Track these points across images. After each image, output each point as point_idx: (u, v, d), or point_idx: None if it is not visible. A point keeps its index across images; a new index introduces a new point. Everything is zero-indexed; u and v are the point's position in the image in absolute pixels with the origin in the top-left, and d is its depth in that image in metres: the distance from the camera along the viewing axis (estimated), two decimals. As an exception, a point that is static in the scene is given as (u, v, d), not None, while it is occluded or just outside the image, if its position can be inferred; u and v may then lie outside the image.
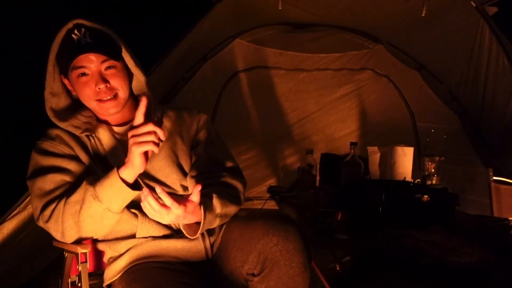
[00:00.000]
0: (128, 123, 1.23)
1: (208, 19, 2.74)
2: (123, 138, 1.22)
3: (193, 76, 3.44)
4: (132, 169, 1.03)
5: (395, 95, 3.80)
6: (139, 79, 1.25)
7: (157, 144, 1.02)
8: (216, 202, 1.10)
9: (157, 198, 0.96)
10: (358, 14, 3.17)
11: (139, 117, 1.03)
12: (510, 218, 1.38)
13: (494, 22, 2.64)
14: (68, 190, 1.09)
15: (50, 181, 1.10)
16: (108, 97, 1.14)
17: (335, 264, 1.11)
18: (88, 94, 1.13)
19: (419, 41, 3.35)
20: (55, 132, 1.18)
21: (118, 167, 1.03)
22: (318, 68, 3.73)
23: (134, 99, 1.27)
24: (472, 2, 2.60)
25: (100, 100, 1.14)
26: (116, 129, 1.23)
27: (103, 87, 1.12)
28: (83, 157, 1.17)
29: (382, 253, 1.10)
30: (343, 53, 3.69)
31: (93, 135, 1.19)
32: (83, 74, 1.12)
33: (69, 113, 1.19)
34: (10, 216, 1.98)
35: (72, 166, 1.13)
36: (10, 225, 1.99)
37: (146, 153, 1.03)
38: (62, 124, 1.16)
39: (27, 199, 1.95)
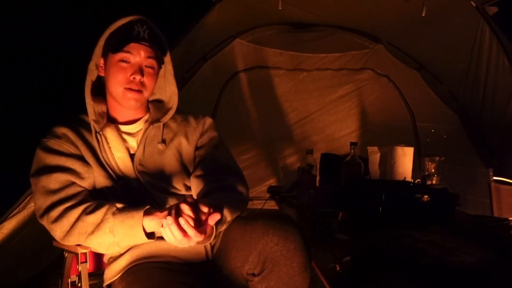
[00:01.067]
0: (136, 122, 1.27)
1: (208, 19, 2.74)
2: (129, 136, 1.25)
3: (193, 76, 3.43)
4: (156, 227, 1.03)
5: (395, 95, 3.79)
6: (171, 89, 1.31)
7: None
8: (226, 211, 1.11)
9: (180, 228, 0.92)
10: (358, 14, 3.16)
11: (204, 212, 0.97)
12: (510, 218, 1.38)
13: (494, 22, 2.64)
14: (80, 195, 1.10)
15: (55, 181, 1.10)
16: (136, 89, 1.18)
17: (335, 264, 1.11)
18: (120, 80, 1.18)
19: (419, 41, 3.35)
20: (61, 130, 1.19)
21: (146, 212, 1.04)
22: (318, 68, 3.73)
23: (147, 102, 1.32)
24: (472, 2, 2.60)
25: (127, 88, 1.18)
26: (123, 127, 1.26)
27: (138, 78, 1.18)
28: (89, 157, 1.17)
29: (382, 253, 1.10)
30: (343, 53, 3.69)
31: (100, 133, 1.20)
32: (125, 61, 1.18)
33: (94, 95, 1.23)
34: (9, 216, 1.97)
35: (77, 166, 1.14)
36: (9, 225, 1.98)
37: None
38: (89, 101, 1.20)
39: (27, 199, 1.95)
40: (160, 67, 1.26)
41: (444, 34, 3.02)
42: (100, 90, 1.27)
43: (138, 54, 1.18)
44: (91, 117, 1.19)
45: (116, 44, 1.17)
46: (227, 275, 1.11)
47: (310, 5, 3.05)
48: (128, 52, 1.17)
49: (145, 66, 1.20)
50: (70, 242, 1.08)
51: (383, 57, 3.67)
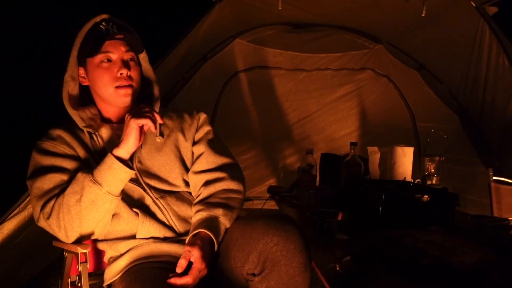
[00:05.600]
0: None
1: (208, 19, 2.74)
2: None
3: (193, 76, 3.44)
4: (126, 146, 1.09)
5: (395, 95, 3.80)
6: (150, 77, 1.32)
7: (153, 122, 1.10)
8: (224, 219, 1.15)
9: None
10: (358, 14, 3.17)
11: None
12: (510, 218, 1.38)
13: (494, 22, 2.64)
14: (66, 188, 1.10)
15: (50, 181, 1.10)
16: (126, 84, 1.18)
17: (335, 264, 1.11)
18: (107, 80, 1.18)
19: (419, 41, 3.35)
20: (56, 132, 1.19)
21: (114, 151, 1.10)
22: (318, 68, 3.73)
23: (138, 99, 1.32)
24: (472, 2, 2.60)
25: (117, 87, 1.18)
26: (118, 127, 1.25)
27: (125, 73, 1.18)
28: (84, 157, 1.18)
29: (382, 253, 1.10)
30: (343, 53, 3.70)
31: (96, 133, 1.20)
32: (108, 60, 1.18)
33: (77, 104, 1.24)
34: (10, 216, 1.98)
35: (72, 166, 1.14)
36: (10, 225, 1.99)
37: (141, 132, 1.11)
38: (71, 111, 1.20)
39: (27, 199, 1.96)
40: (138, 57, 1.26)
41: (444, 34, 3.02)
42: (86, 98, 1.27)
43: (117, 50, 1.18)
44: (80, 125, 1.19)
45: (92, 48, 1.17)
46: (227, 275, 1.11)
47: (310, 5, 3.05)
48: (107, 51, 1.17)
49: (127, 59, 1.21)
50: (70, 224, 1.07)
51: (383, 57, 3.67)
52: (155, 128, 1.12)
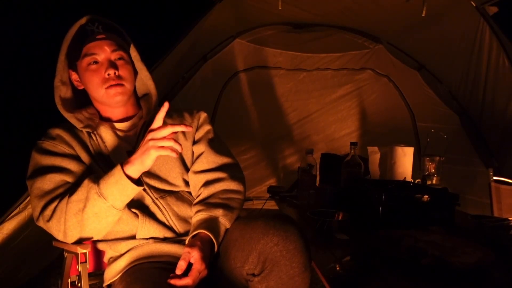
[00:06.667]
0: (130, 119, 1.27)
1: (208, 19, 2.74)
2: (124, 134, 1.25)
3: (193, 76, 3.44)
4: (139, 167, 1.04)
5: (395, 95, 3.80)
6: (143, 75, 1.30)
7: (174, 150, 1.02)
8: (224, 220, 1.15)
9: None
10: (358, 14, 3.17)
11: (159, 121, 1.05)
12: (510, 218, 1.38)
13: (494, 22, 2.64)
14: (69, 190, 1.10)
15: (50, 181, 1.10)
16: (115, 83, 1.17)
17: (335, 264, 1.11)
18: (97, 82, 1.17)
19: (419, 41, 3.35)
20: (55, 131, 1.19)
21: (122, 164, 1.05)
22: (318, 68, 3.73)
23: (136, 98, 1.32)
24: (472, 2, 2.60)
25: (108, 87, 1.17)
26: (117, 125, 1.26)
27: (112, 73, 1.17)
28: (84, 156, 1.18)
29: (382, 253, 1.10)
30: (343, 53, 3.69)
31: (95, 132, 1.20)
32: (94, 62, 1.17)
33: (73, 107, 1.23)
34: (10, 216, 1.97)
35: (72, 165, 1.14)
36: (10, 225, 1.98)
37: None
38: (66, 115, 1.19)
39: (27, 199, 1.95)
40: (128, 55, 1.25)
41: (444, 34, 3.02)
42: (85, 102, 1.27)
43: (102, 51, 1.18)
44: (78, 126, 1.19)
45: (77, 52, 1.17)
46: (227, 275, 1.11)
47: (310, 5, 3.05)
48: (93, 53, 1.17)
49: (115, 59, 1.20)
50: (70, 230, 1.06)
51: (383, 57, 3.67)
52: (177, 155, 1.03)
